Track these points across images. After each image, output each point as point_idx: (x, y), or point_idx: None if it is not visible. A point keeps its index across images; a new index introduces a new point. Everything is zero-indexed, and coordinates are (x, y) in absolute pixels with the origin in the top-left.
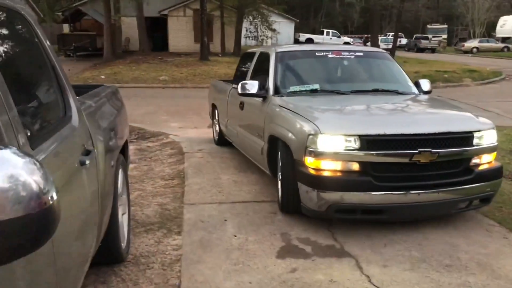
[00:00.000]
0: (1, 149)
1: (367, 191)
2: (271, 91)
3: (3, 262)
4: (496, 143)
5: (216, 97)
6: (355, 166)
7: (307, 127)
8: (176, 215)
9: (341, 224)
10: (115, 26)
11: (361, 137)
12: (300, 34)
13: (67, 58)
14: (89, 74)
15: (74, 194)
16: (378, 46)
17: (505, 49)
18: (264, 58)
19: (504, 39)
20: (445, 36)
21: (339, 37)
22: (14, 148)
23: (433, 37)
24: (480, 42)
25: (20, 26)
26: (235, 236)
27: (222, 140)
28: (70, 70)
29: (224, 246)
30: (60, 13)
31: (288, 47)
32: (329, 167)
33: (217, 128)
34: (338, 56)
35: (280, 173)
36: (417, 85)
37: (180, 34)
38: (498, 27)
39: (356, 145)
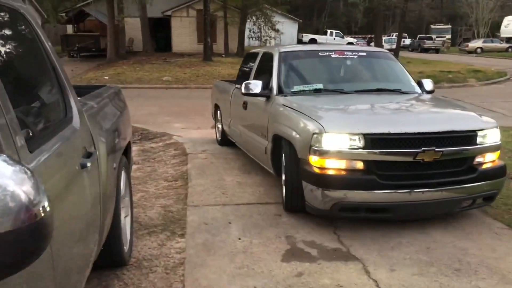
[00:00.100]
0: None
1: (372, 189)
2: (274, 91)
3: None
4: (499, 142)
5: (219, 97)
6: (360, 165)
7: (311, 126)
8: (180, 217)
9: (347, 227)
10: (119, 26)
11: (366, 136)
12: (304, 34)
13: (70, 58)
14: (92, 74)
15: (74, 198)
16: (382, 47)
17: (510, 49)
18: (267, 58)
19: (508, 39)
20: (449, 36)
21: (342, 37)
22: (4, 155)
23: (437, 37)
24: (484, 42)
25: (20, 26)
26: (239, 239)
27: (224, 140)
28: (73, 70)
29: (228, 249)
30: (63, 14)
31: (291, 47)
32: (334, 166)
33: (220, 128)
34: (341, 56)
35: (284, 172)
36: (420, 84)
37: (184, 34)
38: (502, 27)
39: (361, 143)
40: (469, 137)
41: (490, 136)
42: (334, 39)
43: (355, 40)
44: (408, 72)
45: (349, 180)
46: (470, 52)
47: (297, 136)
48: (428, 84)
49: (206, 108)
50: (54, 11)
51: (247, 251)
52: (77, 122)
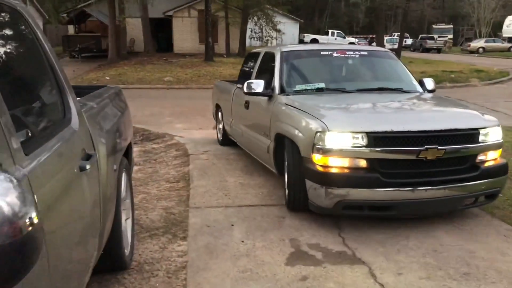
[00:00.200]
0: None
1: (375, 187)
2: (277, 90)
3: None
4: (501, 140)
5: (220, 97)
6: (363, 163)
7: (314, 125)
8: (181, 219)
9: (352, 229)
10: (120, 27)
11: (369, 134)
12: (305, 34)
13: (72, 59)
14: (94, 75)
15: (73, 202)
16: (383, 47)
17: None
18: (269, 58)
19: (510, 39)
20: (450, 36)
21: (344, 37)
22: None
23: (439, 37)
24: (486, 42)
25: (18, 25)
26: (242, 241)
27: (226, 140)
28: (75, 71)
29: (231, 252)
30: (65, 15)
31: (293, 47)
32: (337, 164)
33: (221, 128)
34: (342, 55)
35: (286, 171)
36: (421, 83)
37: (185, 35)
38: (504, 27)
39: (364, 142)
40: (471, 135)
41: (492, 134)
42: (336, 39)
43: (357, 40)
44: (409, 71)
45: (352, 178)
46: (472, 52)
47: (300, 134)
48: (429, 83)
49: (208, 108)
50: (55, 11)
51: (250, 254)
52: (76, 123)
